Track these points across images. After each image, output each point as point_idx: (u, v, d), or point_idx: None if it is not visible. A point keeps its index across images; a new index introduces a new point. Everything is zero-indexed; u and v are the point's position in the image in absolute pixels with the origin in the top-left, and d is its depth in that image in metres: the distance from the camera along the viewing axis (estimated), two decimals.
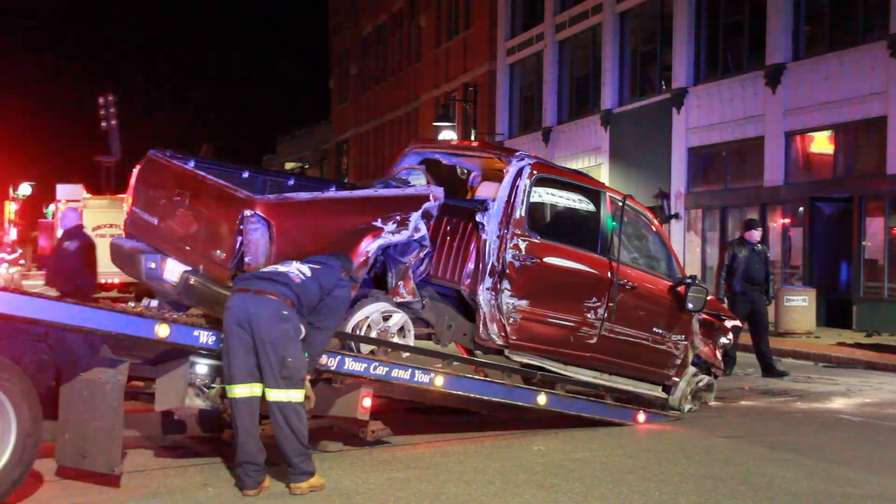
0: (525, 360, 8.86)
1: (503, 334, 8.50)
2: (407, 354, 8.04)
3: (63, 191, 23.80)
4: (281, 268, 6.71)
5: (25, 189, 65.56)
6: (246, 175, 8.88)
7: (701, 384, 10.39)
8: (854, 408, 11.29)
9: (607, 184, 29.24)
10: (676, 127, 27.00)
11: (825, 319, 21.15)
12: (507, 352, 8.70)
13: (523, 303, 8.55)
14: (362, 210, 7.70)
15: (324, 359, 7.05)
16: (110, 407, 6.20)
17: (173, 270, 7.35)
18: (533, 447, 8.36)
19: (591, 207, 9.28)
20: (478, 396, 8.36)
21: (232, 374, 6.43)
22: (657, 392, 10.03)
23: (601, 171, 30.50)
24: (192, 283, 7.17)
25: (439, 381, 7.98)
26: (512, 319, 8.51)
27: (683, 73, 26.75)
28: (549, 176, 8.94)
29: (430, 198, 8.02)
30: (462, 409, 9.01)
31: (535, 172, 8.63)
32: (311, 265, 6.81)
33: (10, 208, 64.59)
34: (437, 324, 8.49)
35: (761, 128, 23.88)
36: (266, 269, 6.70)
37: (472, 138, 32.46)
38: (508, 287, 8.42)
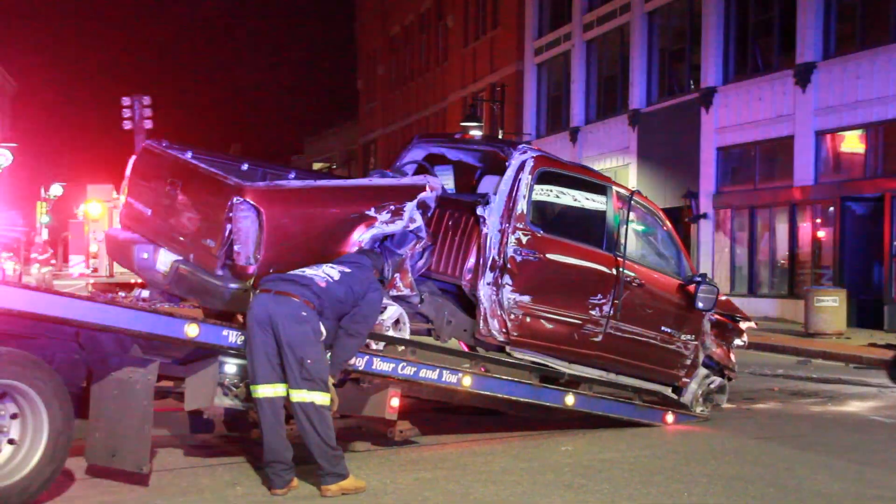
0: (527, 358, 8.67)
1: (504, 330, 8.34)
2: (402, 348, 7.84)
3: (94, 191, 23.96)
4: (309, 271, 6.70)
5: (56, 189, 66.18)
6: (245, 167, 8.74)
7: (713, 386, 10.19)
8: (885, 410, 11.19)
9: (635, 184, 29.29)
10: (705, 126, 26.87)
11: (856, 320, 20.95)
12: (508, 348, 8.52)
13: (525, 298, 8.39)
14: (355, 199, 7.53)
15: (352, 359, 7.03)
16: (140, 406, 6.23)
17: (165, 261, 7.25)
18: (560, 447, 8.34)
19: (596, 202, 9.11)
20: (505, 397, 8.33)
21: (255, 374, 6.45)
22: (667, 393, 9.87)
23: (629, 171, 30.42)
24: (181, 272, 7.06)
25: (467, 381, 7.95)
26: (513, 315, 8.35)
27: (712, 72, 26.61)
28: (553, 170, 8.79)
29: (426, 188, 7.83)
30: (489, 409, 8.98)
31: (537, 166, 8.49)
32: (340, 268, 6.79)
33: (42, 208, 65.21)
34: (437, 319, 8.31)
35: (791, 127, 23.72)
36: (293, 272, 6.70)
37: (500, 136, 32.43)
38: (510, 282, 8.27)
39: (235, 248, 6.80)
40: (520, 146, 8.69)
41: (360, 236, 7.33)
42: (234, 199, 6.79)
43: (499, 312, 8.28)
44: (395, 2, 51.50)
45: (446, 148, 9.52)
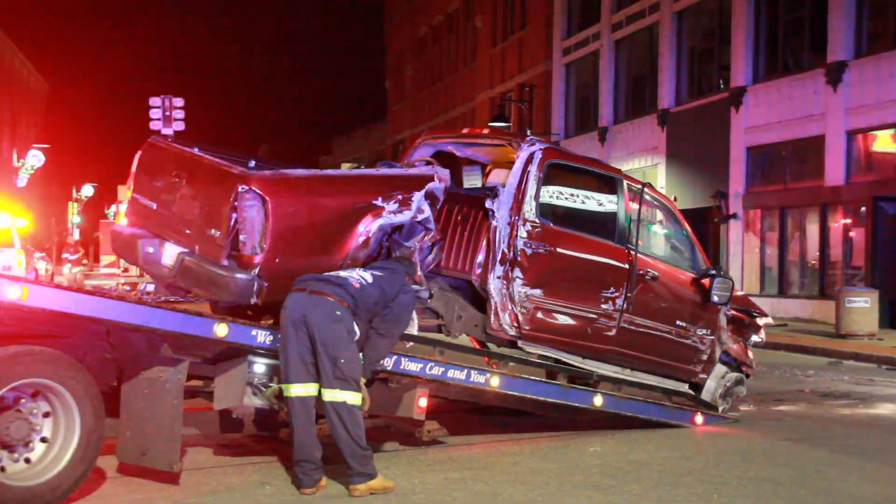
0: (539, 352, 8.58)
1: (515, 324, 8.24)
2: (409, 344, 7.74)
3: (125, 191, 24.11)
4: (343, 273, 6.72)
5: (88, 190, 66.84)
6: (252, 164, 8.70)
7: (730, 383, 10.05)
8: None
9: (664, 184, 29.18)
10: (735, 126, 26.71)
11: (888, 321, 20.78)
12: (519, 343, 8.42)
13: (536, 292, 8.28)
14: (362, 188, 7.39)
15: (382, 359, 7.02)
16: (170, 405, 6.27)
17: (171, 254, 7.15)
18: (589, 448, 8.32)
19: (607, 195, 9.00)
20: (534, 397, 8.31)
21: (288, 373, 6.47)
22: (684, 390, 9.76)
23: (658, 171, 30.31)
24: (186, 263, 6.96)
25: (495, 381, 7.95)
26: (524, 309, 8.23)
27: (742, 71, 26.45)
28: (562, 162, 8.68)
29: (435, 178, 7.70)
30: (517, 410, 8.97)
31: (546, 158, 8.38)
32: (374, 272, 6.81)
33: (74, 209, 65.86)
34: (447, 314, 8.19)
35: (822, 126, 23.54)
36: (327, 273, 6.72)
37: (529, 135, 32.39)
38: (520, 275, 8.17)
39: (241, 237, 6.69)
40: (528, 138, 8.59)
41: (368, 226, 7.19)
42: (240, 188, 6.68)
43: (510, 306, 8.18)
44: (424, 2, 51.57)
45: (455, 145, 9.41)
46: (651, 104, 31.31)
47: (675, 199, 28.16)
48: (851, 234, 23.28)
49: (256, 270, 6.70)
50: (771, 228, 26.26)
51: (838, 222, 23.70)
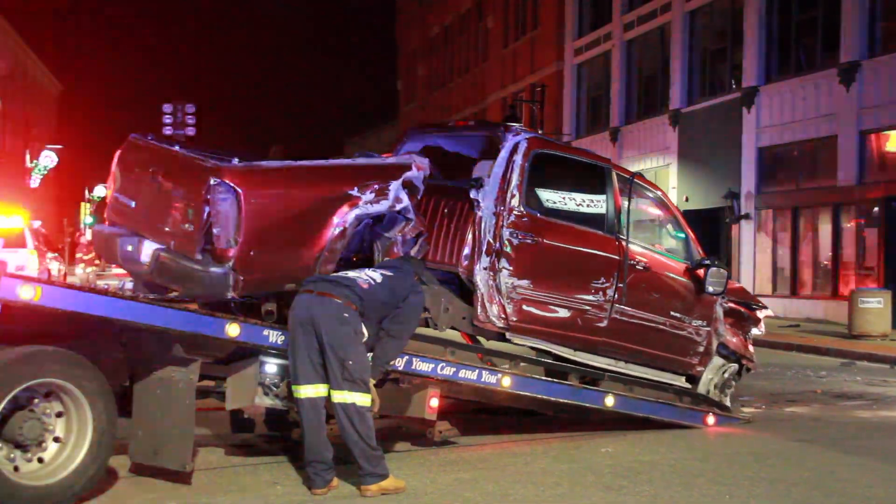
0: (529, 344, 8.52)
1: (503, 316, 8.17)
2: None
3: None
4: (351, 273, 6.72)
5: (100, 190, 67.10)
6: (235, 161, 8.62)
7: (727, 375, 9.98)
8: None
9: (676, 184, 29.12)
10: (747, 126, 26.65)
11: None
12: (508, 335, 8.35)
13: (524, 283, 8.21)
14: (337, 178, 7.28)
15: (393, 360, 7.01)
16: (182, 405, 6.28)
17: (149, 252, 7.07)
18: (601, 449, 8.31)
19: (595, 185, 8.91)
20: (545, 397, 8.30)
21: (297, 374, 6.47)
22: (681, 383, 9.68)
23: (670, 171, 30.26)
24: (162, 259, 6.87)
25: (506, 381, 7.93)
26: (512, 300, 8.16)
27: (754, 71, 26.39)
28: (548, 151, 8.59)
29: (412, 167, 7.57)
30: (527, 410, 8.95)
31: (531, 148, 8.30)
32: (382, 271, 6.80)
33: (86, 209, 66.15)
34: (434, 307, 8.06)
35: (835, 126, 23.47)
36: (335, 274, 6.72)
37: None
38: (507, 266, 8.09)
39: (214, 230, 6.61)
40: (513, 128, 8.51)
41: (344, 217, 7.07)
42: (212, 181, 6.61)
43: (497, 298, 8.12)
44: (435, 3, 51.61)
45: (442, 138, 9.33)
46: (663, 104, 31.27)
47: (687, 200, 28.16)
48: (864, 234, 23.20)
49: (231, 263, 6.61)
50: (783, 229, 26.20)
51: (851, 222, 23.63)
